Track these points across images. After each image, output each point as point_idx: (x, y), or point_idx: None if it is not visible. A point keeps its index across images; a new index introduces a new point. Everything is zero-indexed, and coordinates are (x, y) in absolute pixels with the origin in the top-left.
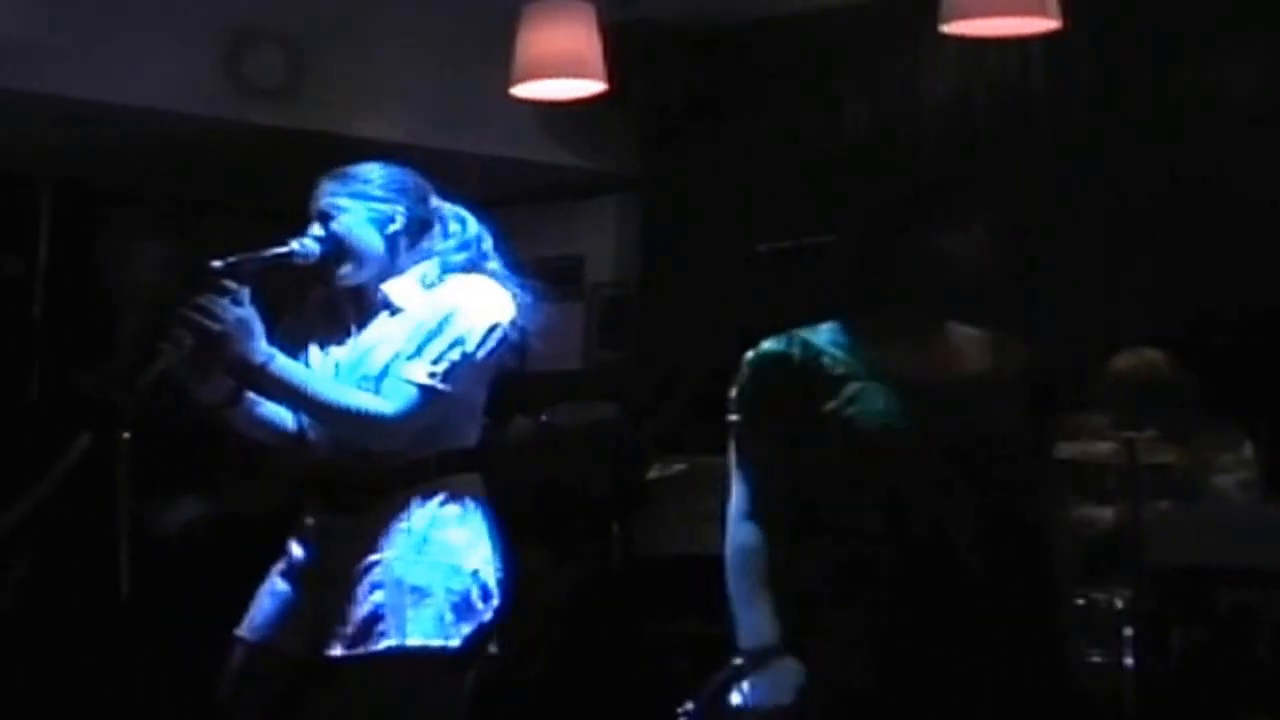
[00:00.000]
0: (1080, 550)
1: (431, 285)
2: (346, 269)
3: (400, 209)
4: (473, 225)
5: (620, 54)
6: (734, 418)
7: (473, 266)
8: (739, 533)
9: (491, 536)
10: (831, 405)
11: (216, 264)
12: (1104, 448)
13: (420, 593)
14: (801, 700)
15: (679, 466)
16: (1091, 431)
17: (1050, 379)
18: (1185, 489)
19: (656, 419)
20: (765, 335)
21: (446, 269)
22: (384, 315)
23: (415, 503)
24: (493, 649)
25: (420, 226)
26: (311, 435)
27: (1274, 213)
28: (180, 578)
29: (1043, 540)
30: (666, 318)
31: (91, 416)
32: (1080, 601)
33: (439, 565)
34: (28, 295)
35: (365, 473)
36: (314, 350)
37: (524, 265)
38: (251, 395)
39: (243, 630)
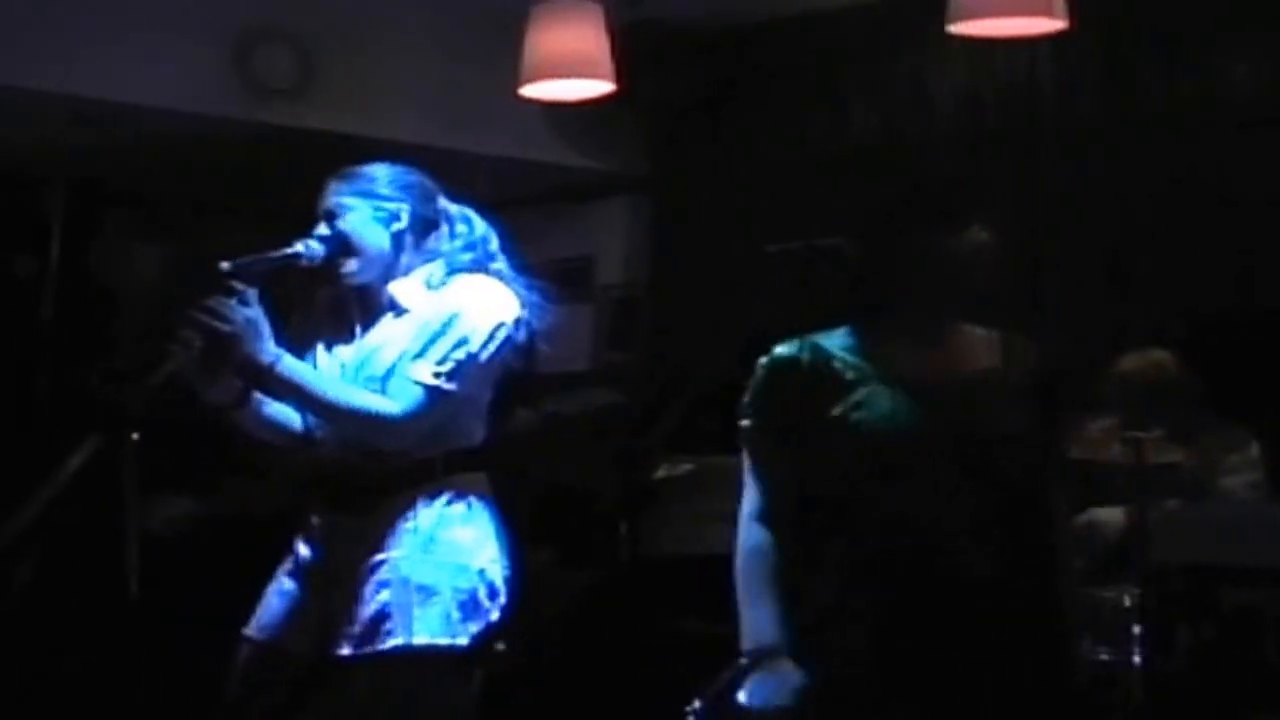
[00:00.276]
0: (1086, 550)
1: (437, 286)
2: (351, 266)
3: (406, 207)
4: (480, 226)
5: (629, 54)
6: (745, 421)
7: (478, 267)
8: (748, 534)
9: (498, 535)
10: (839, 409)
11: (225, 265)
12: (1111, 448)
13: (427, 591)
14: (800, 703)
15: (687, 466)
16: (1098, 432)
17: (1061, 380)
18: (1192, 489)
19: (665, 419)
20: (774, 336)
21: (452, 270)
22: (389, 316)
23: (421, 502)
24: (500, 647)
25: (426, 225)
26: (318, 435)
27: None
28: (182, 577)
29: (1051, 542)
30: (675, 319)
31: (101, 417)
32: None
33: (445, 564)
34: (38, 295)
35: (372, 472)
36: (320, 351)
37: (531, 266)
38: (259, 396)
39: (250, 630)
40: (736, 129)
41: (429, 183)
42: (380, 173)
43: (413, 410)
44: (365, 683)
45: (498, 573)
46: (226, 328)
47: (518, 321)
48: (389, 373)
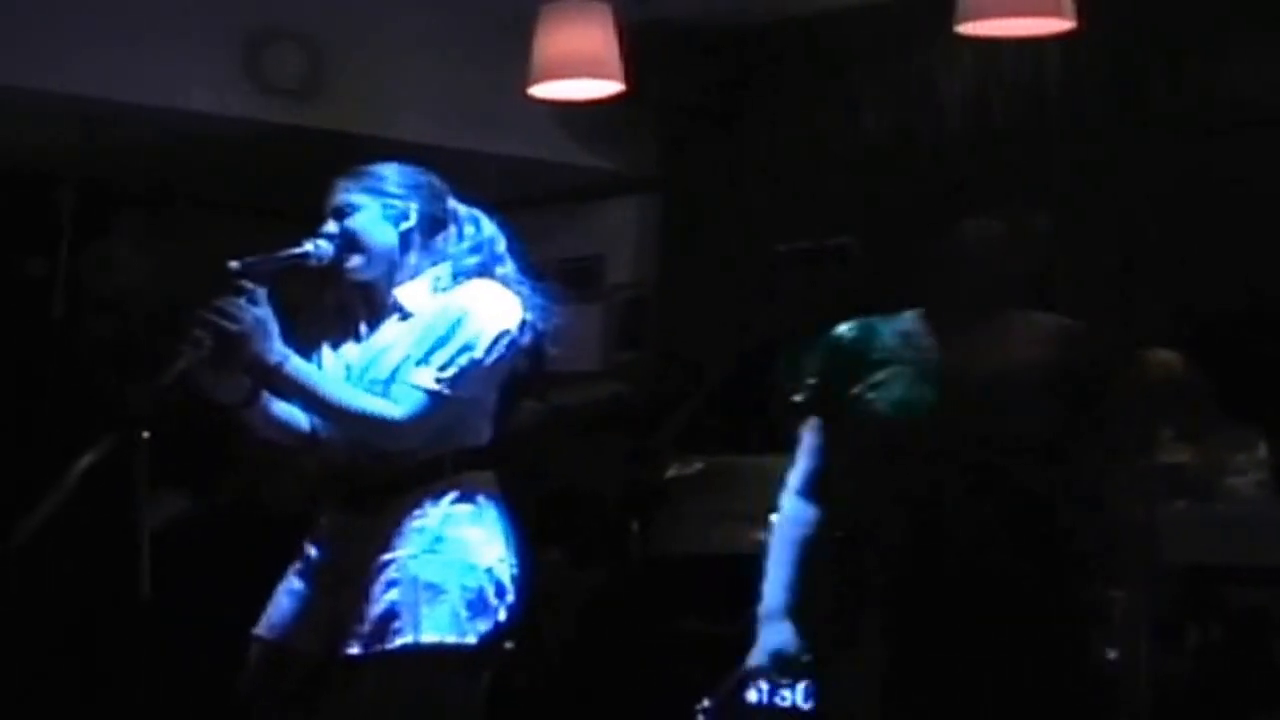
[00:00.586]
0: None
1: (443, 289)
2: (357, 262)
3: (414, 206)
4: (488, 227)
5: (638, 54)
6: (796, 397)
7: (484, 270)
8: (785, 504)
9: (506, 534)
10: (859, 388)
11: (234, 264)
12: None
13: (435, 590)
14: (780, 666)
15: (697, 466)
16: None
17: (1122, 371)
18: (1200, 489)
19: (674, 418)
20: (783, 335)
21: (458, 273)
22: (394, 319)
23: (429, 501)
24: (508, 646)
25: (434, 225)
26: (325, 436)
27: None
28: (184, 575)
29: (1067, 537)
30: (685, 318)
31: (112, 416)
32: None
33: (453, 563)
34: (48, 295)
35: (379, 472)
36: (326, 351)
37: (539, 266)
38: (268, 395)
39: (260, 629)
40: (745, 129)
41: (438, 182)
42: (390, 172)
43: (414, 415)
44: (374, 682)
45: (505, 571)
46: (235, 327)
47: (523, 325)
48: (392, 376)
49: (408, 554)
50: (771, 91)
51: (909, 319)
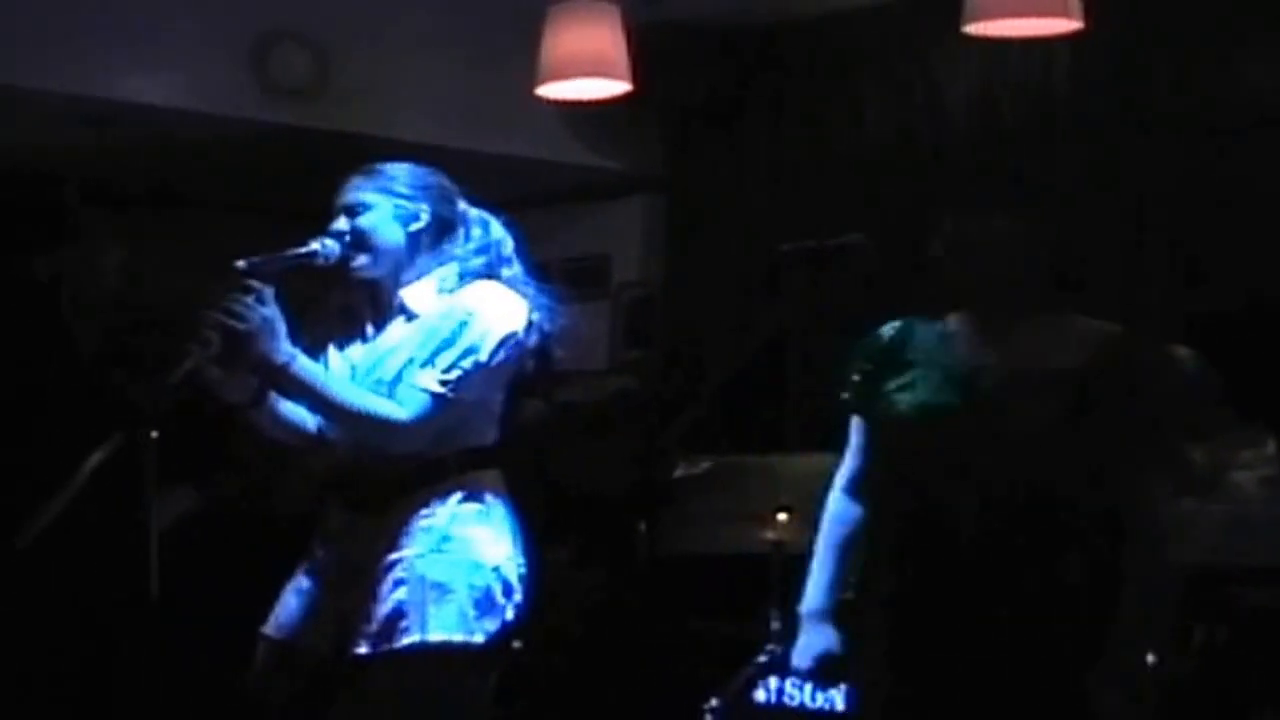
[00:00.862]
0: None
1: (449, 290)
2: (364, 261)
3: (425, 207)
4: (496, 230)
5: (645, 55)
6: (843, 395)
7: (490, 271)
8: (831, 502)
9: (514, 533)
10: (889, 387)
11: (240, 264)
12: None
13: (442, 589)
14: (824, 667)
15: (705, 465)
16: None
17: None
18: (1207, 487)
19: (682, 417)
20: (789, 335)
21: (464, 274)
22: (400, 320)
23: (437, 501)
24: (516, 645)
25: (443, 227)
26: (332, 437)
27: None
28: (193, 575)
29: (1090, 543)
30: (691, 317)
31: (120, 416)
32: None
33: (460, 562)
34: (55, 296)
35: (386, 472)
36: (332, 352)
37: (546, 266)
38: (275, 396)
39: (268, 628)
40: (751, 129)
41: (450, 184)
42: (403, 172)
43: (418, 417)
44: (382, 680)
45: (513, 570)
46: (243, 326)
47: (529, 327)
48: (398, 378)
49: (415, 553)
50: (777, 92)
51: (951, 321)
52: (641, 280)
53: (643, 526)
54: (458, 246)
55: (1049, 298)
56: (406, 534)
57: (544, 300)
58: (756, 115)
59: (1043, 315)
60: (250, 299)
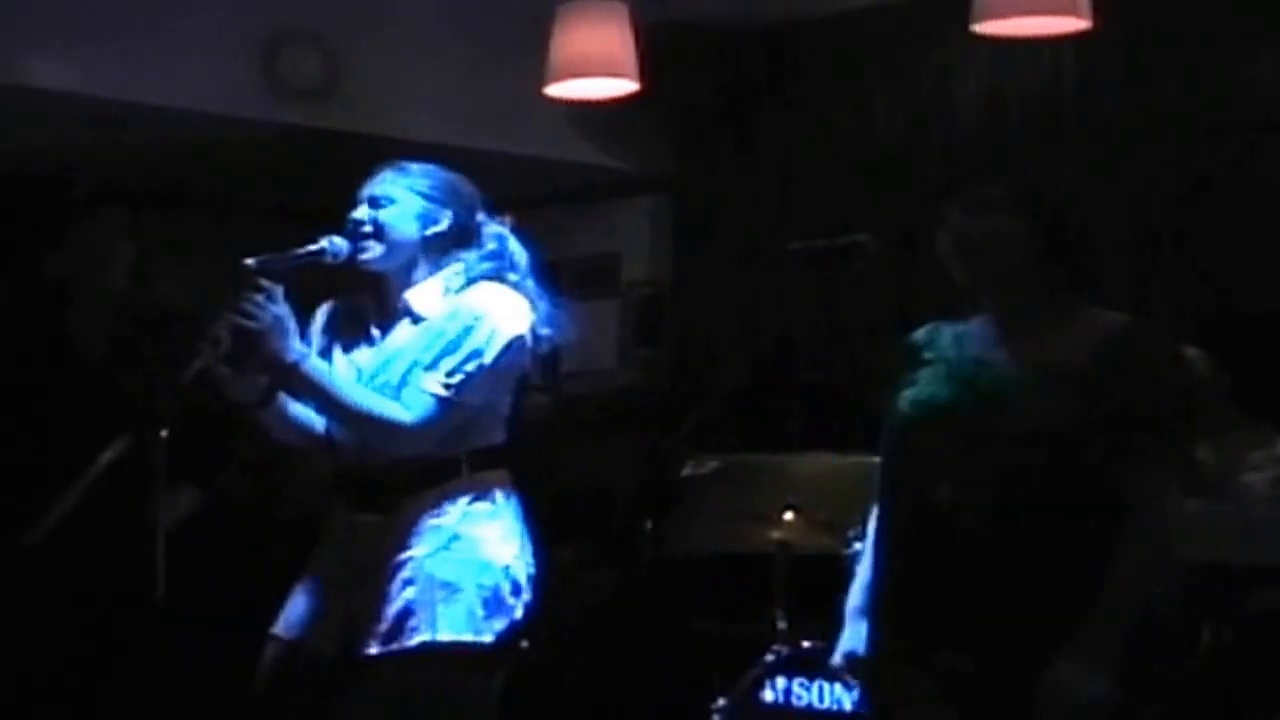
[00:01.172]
0: None
1: (455, 292)
2: (376, 253)
3: (448, 213)
4: (511, 243)
5: (654, 54)
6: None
7: (497, 275)
8: (878, 502)
9: (522, 532)
10: (902, 388)
11: (249, 262)
12: None
13: (451, 588)
14: (854, 665)
15: (712, 464)
16: None
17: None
18: (1216, 487)
19: (691, 416)
20: (797, 333)
21: (471, 277)
22: (405, 322)
23: (445, 500)
24: (524, 644)
25: (461, 235)
26: (339, 438)
27: None
28: (200, 574)
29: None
30: (701, 316)
31: (130, 415)
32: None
33: (469, 561)
34: (63, 295)
35: (395, 472)
36: (338, 354)
37: (555, 267)
38: (284, 396)
39: (277, 628)
40: (760, 128)
41: (476, 194)
42: (433, 174)
43: (422, 420)
44: (390, 680)
45: (521, 569)
46: (254, 324)
47: (534, 331)
48: (403, 380)
49: (424, 553)
50: (786, 91)
51: (974, 322)
52: (650, 279)
53: (649, 526)
54: (469, 252)
55: (1057, 292)
56: (415, 534)
57: (551, 310)
58: (765, 114)
59: (1052, 310)
60: (261, 297)
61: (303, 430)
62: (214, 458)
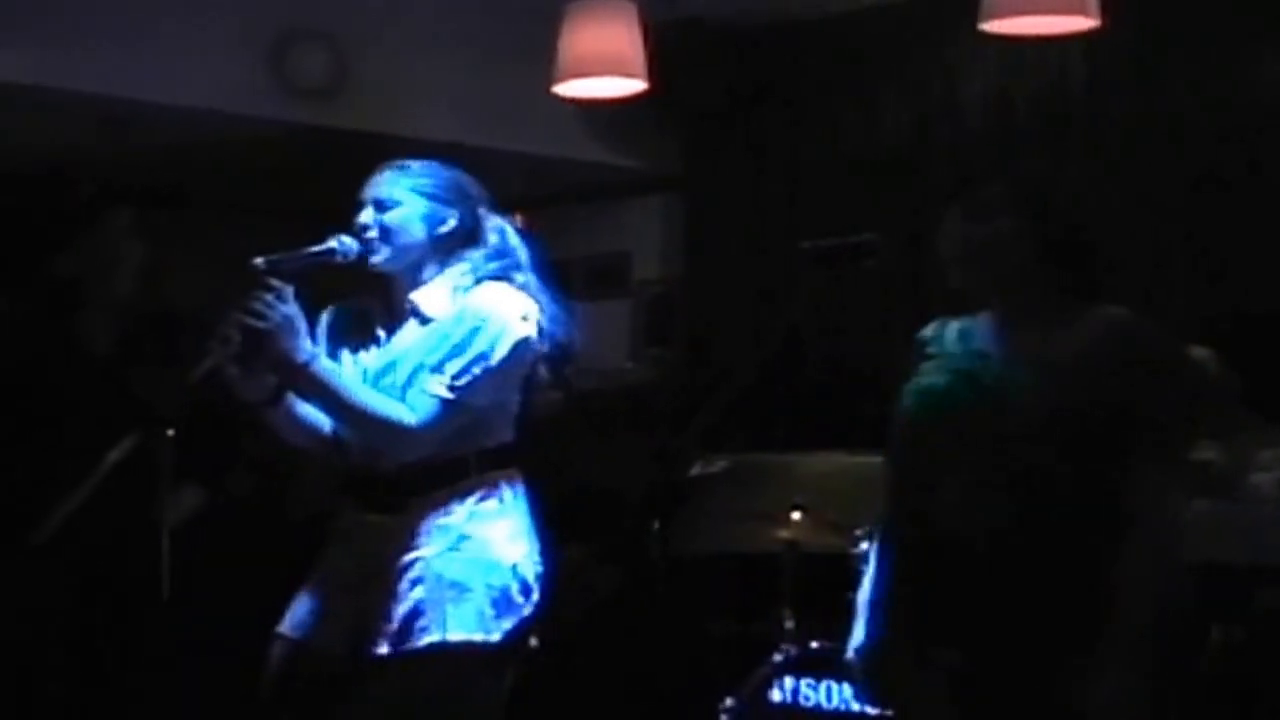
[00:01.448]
0: None
1: (462, 292)
2: (384, 256)
3: (455, 214)
4: (513, 239)
5: (663, 53)
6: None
7: (503, 275)
8: None
9: (531, 531)
10: (907, 384)
11: (259, 261)
12: None
13: (460, 588)
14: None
15: (721, 464)
16: None
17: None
18: (1225, 487)
19: (701, 415)
20: (806, 331)
21: (479, 277)
22: (413, 323)
23: (454, 500)
24: (533, 644)
25: (468, 234)
26: (345, 441)
27: None
28: (206, 573)
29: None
30: (710, 314)
31: (137, 414)
32: None
33: (478, 561)
34: (71, 294)
35: (403, 472)
36: (345, 355)
37: (565, 266)
38: (293, 397)
39: (284, 628)
40: (769, 127)
41: (478, 190)
42: (436, 173)
43: (427, 422)
44: (399, 680)
45: (530, 569)
46: (263, 324)
47: (541, 333)
48: (409, 382)
49: (433, 553)
50: (794, 90)
51: (979, 318)
52: (661, 278)
53: (658, 525)
54: (474, 251)
55: (1059, 292)
56: (424, 533)
57: (556, 309)
58: (773, 113)
59: (1054, 309)
60: (271, 297)
61: (311, 431)
62: (221, 457)
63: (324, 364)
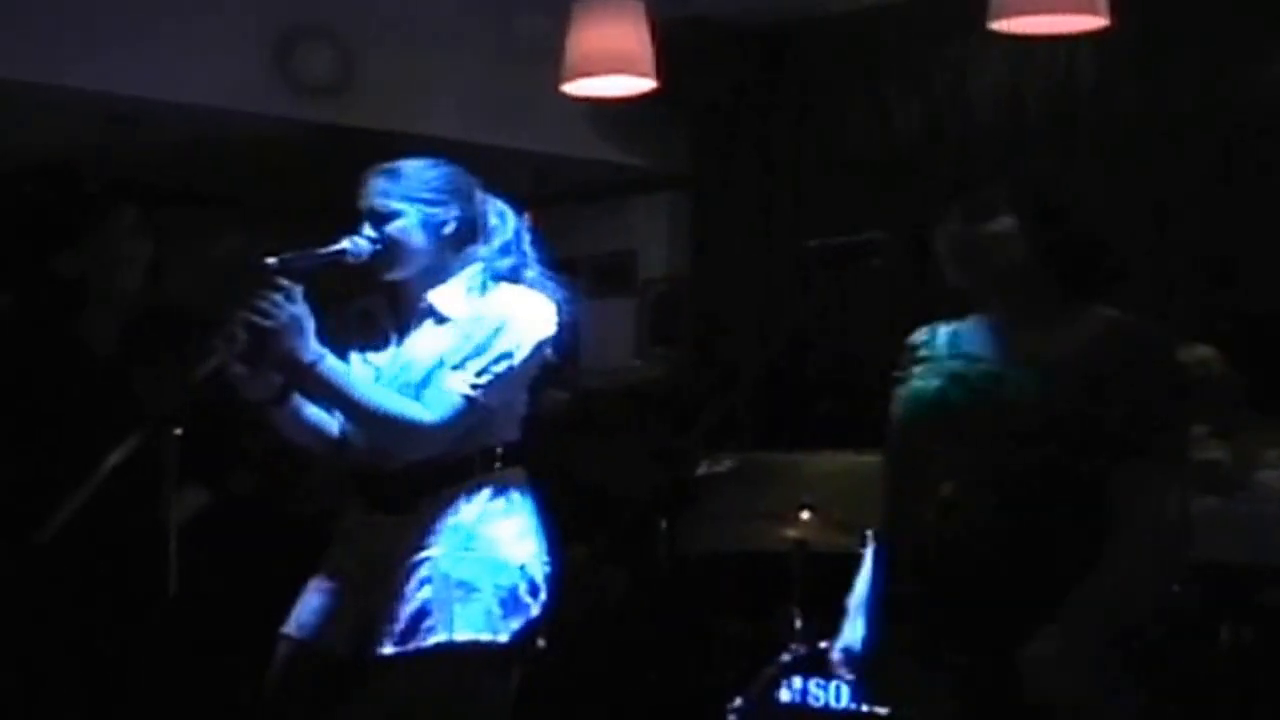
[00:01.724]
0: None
1: (478, 291)
2: (393, 268)
3: (454, 212)
4: (511, 220)
5: (671, 51)
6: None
7: (515, 273)
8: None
9: (538, 531)
10: (898, 389)
11: (270, 261)
12: None
13: (467, 588)
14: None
15: (728, 463)
16: None
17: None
18: (1232, 485)
19: (707, 414)
20: (813, 330)
21: (491, 276)
22: (430, 324)
23: (462, 500)
24: (540, 644)
25: (469, 228)
26: (352, 441)
27: None
28: (212, 572)
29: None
30: (717, 313)
31: (143, 413)
32: None
33: (486, 561)
34: (77, 293)
35: (411, 471)
36: (354, 356)
37: (572, 264)
38: (298, 397)
39: (289, 628)
40: (776, 126)
41: (471, 180)
42: (428, 175)
43: (446, 419)
44: (406, 680)
45: (538, 569)
46: (270, 323)
47: (559, 329)
48: (425, 381)
49: (440, 552)
50: (802, 88)
51: (971, 321)
52: (667, 276)
53: (664, 524)
54: (482, 246)
55: (1057, 293)
56: (431, 533)
57: (561, 295)
58: (781, 112)
59: (1051, 310)
60: (279, 296)
61: (315, 431)
62: (226, 456)
63: (331, 364)
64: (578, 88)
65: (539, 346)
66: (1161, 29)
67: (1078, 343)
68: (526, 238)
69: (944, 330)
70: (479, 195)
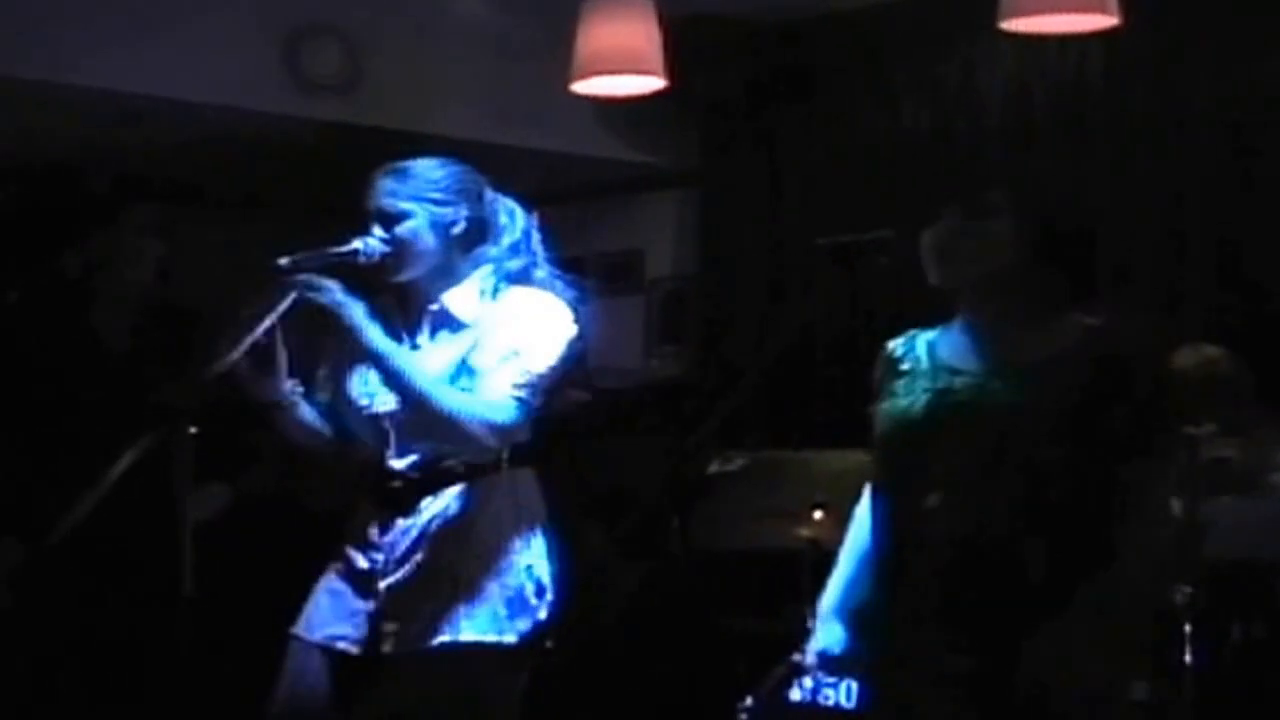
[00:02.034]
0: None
1: (490, 294)
2: (403, 269)
3: (463, 212)
4: (520, 218)
5: (680, 49)
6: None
7: (525, 272)
8: (860, 504)
9: (547, 532)
10: (881, 400)
11: (283, 261)
12: None
13: (474, 589)
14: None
15: (739, 461)
16: None
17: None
18: (1244, 484)
19: (717, 413)
20: (821, 329)
21: (503, 277)
22: (445, 332)
23: (469, 500)
24: (549, 645)
25: (478, 227)
26: (354, 444)
27: None
28: (227, 572)
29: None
30: (725, 311)
31: (156, 413)
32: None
33: (492, 562)
34: (85, 292)
35: (418, 472)
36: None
37: (579, 262)
38: (300, 400)
39: (298, 628)
40: (786, 123)
41: (479, 178)
42: (436, 175)
43: (511, 421)
44: (413, 680)
45: (545, 570)
46: (324, 298)
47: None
48: (452, 383)
49: (448, 553)
50: (811, 86)
51: (952, 328)
52: (675, 275)
53: (676, 522)
54: (492, 246)
55: (1045, 296)
56: (439, 534)
57: (571, 293)
58: (790, 109)
59: (1035, 314)
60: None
61: (314, 434)
62: (240, 454)
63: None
64: (587, 86)
65: (569, 347)
66: (1171, 28)
67: (1060, 349)
68: (536, 237)
69: (922, 339)
70: (488, 195)
